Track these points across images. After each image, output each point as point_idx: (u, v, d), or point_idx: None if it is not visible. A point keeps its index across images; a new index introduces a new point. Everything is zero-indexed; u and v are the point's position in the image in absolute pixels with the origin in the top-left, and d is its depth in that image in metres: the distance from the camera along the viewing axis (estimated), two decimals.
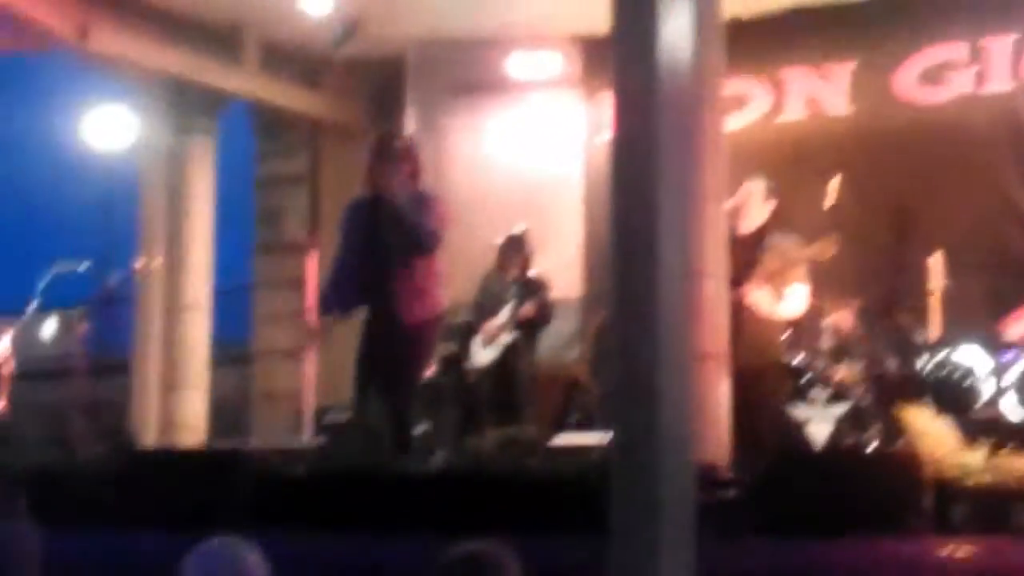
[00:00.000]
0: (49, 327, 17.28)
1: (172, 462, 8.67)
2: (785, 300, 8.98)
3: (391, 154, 8.56)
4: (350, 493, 7.46)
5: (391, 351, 8.39)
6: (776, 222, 9.24)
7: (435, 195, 8.81)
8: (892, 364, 10.04)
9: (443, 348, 10.54)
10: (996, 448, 6.96)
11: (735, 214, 8.78)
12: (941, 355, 8.84)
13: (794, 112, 12.08)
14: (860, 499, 6.71)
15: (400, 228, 8.36)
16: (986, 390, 8.63)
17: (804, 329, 9.88)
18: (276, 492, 7.77)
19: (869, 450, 8.81)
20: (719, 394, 7.66)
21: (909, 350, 9.61)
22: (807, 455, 8.17)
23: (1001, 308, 9.73)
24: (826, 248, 8.94)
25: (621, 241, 5.54)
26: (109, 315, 17.48)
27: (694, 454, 5.63)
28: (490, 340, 10.58)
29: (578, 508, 6.23)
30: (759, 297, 8.82)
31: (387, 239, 8.43)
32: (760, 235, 9.07)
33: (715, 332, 7.74)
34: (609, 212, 5.65)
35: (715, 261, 7.83)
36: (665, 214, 5.37)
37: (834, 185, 9.58)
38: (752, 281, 8.77)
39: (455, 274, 12.44)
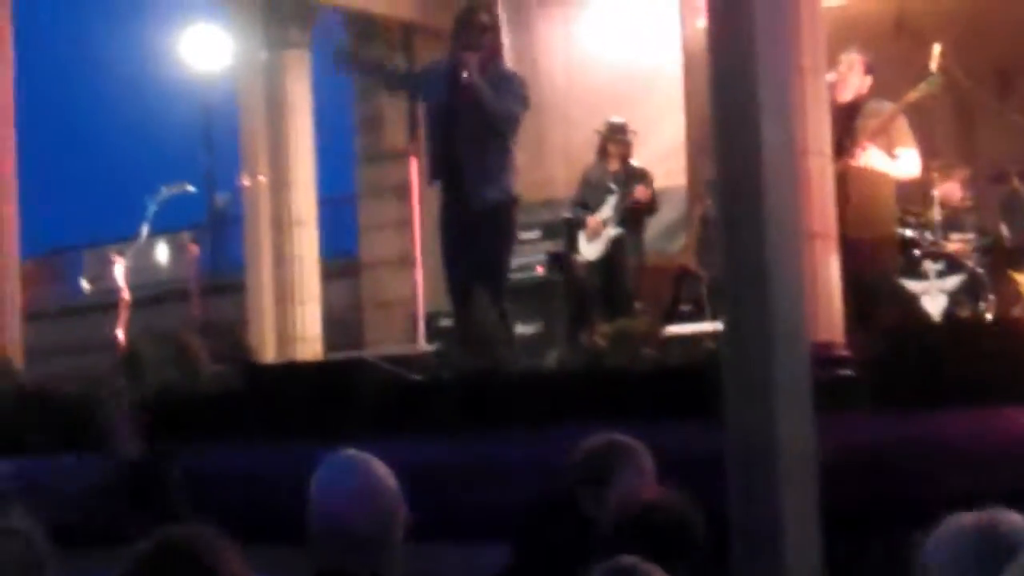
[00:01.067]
0: (162, 252, 17.54)
1: (292, 375, 8.77)
2: (896, 161, 8.89)
3: (474, 26, 8.34)
4: (468, 396, 7.51)
5: (467, 238, 8.26)
6: (873, 93, 9.14)
7: (516, 75, 8.61)
8: (1005, 231, 9.91)
9: (550, 245, 10.55)
10: None
11: (835, 88, 8.66)
12: None
13: None
14: (977, 369, 6.65)
15: (473, 106, 8.14)
16: None
17: (914, 200, 9.78)
18: (396, 399, 7.84)
19: (984, 320, 8.72)
20: (830, 273, 7.60)
21: (1022, 217, 9.47)
22: (921, 328, 8.10)
23: None
24: (926, 89, 8.86)
25: (722, 121, 5.52)
26: (219, 235, 17.72)
27: (807, 333, 5.63)
28: (596, 234, 10.55)
29: (695, 396, 6.25)
30: (870, 156, 8.71)
31: (459, 116, 8.23)
32: (858, 106, 8.97)
33: (822, 210, 7.67)
34: (709, 94, 5.61)
35: (819, 137, 7.72)
36: (765, 91, 5.34)
37: (935, 53, 9.42)
38: (859, 143, 8.68)
39: (556, 169, 12.47)
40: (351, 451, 3.67)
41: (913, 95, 8.99)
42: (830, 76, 8.51)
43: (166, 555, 2.97)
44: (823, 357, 6.76)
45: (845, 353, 7.22)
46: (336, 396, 7.74)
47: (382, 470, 3.60)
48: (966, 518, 2.90)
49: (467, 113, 8.13)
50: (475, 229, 8.18)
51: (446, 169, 8.21)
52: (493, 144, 8.25)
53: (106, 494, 4.87)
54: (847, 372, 6.92)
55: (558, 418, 6.96)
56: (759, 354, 5.26)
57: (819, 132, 7.73)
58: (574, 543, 4.15)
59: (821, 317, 7.35)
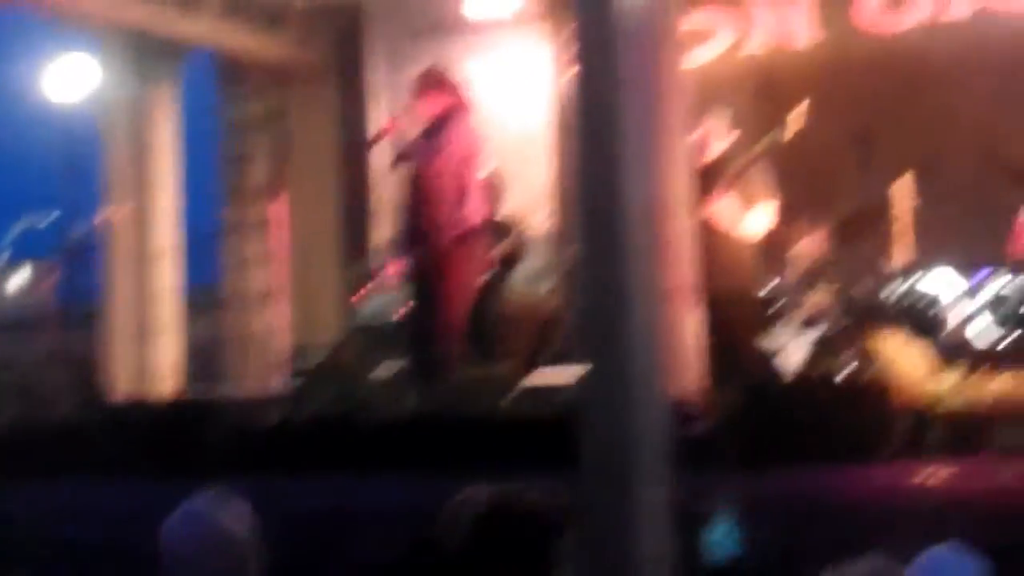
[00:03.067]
0: (18, 279, 17.25)
1: (144, 413, 8.65)
2: (751, 216, 9.00)
3: (413, 88, 9.08)
4: (325, 438, 7.46)
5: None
6: (736, 152, 9.28)
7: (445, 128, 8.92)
8: (862, 290, 10.05)
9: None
10: (969, 371, 6.98)
11: (699, 147, 8.77)
12: (912, 280, 8.84)
13: (758, 44, 12.04)
14: (834, 427, 6.74)
15: None
16: (956, 314, 8.63)
17: (773, 257, 9.89)
18: (251, 439, 7.77)
19: (842, 377, 8.82)
20: (689, 328, 7.66)
21: (879, 275, 9.61)
22: (780, 385, 8.18)
23: (969, 231, 9.74)
24: (774, 138, 9.01)
25: (585, 178, 5.51)
26: (78, 266, 17.45)
27: (665, 389, 5.65)
28: None
29: (551, 447, 6.25)
30: (724, 208, 8.82)
31: None
32: (722, 165, 9.09)
33: (683, 266, 7.74)
34: (573, 149, 5.64)
35: (681, 195, 7.81)
36: (629, 150, 5.34)
37: (798, 114, 9.57)
38: (714, 193, 8.79)
39: None
40: (206, 496, 3.61)
41: (758, 149, 9.14)
42: (695, 134, 8.62)
43: None
44: (681, 413, 6.80)
45: (703, 409, 7.27)
46: (189, 435, 7.65)
47: (237, 517, 3.55)
48: (859, 568, 2.92)
49: None
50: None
51: None
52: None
53: None
54: (703, 428, 6.97)
55: (413, 464, 6.94)
56: (617, 407, 5.25)
57: (681, 190, 7.82)
58: None
59: (680, 372, 7.41)
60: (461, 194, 8.74)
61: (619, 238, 5.26)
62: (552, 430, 6.54)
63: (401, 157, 9.16)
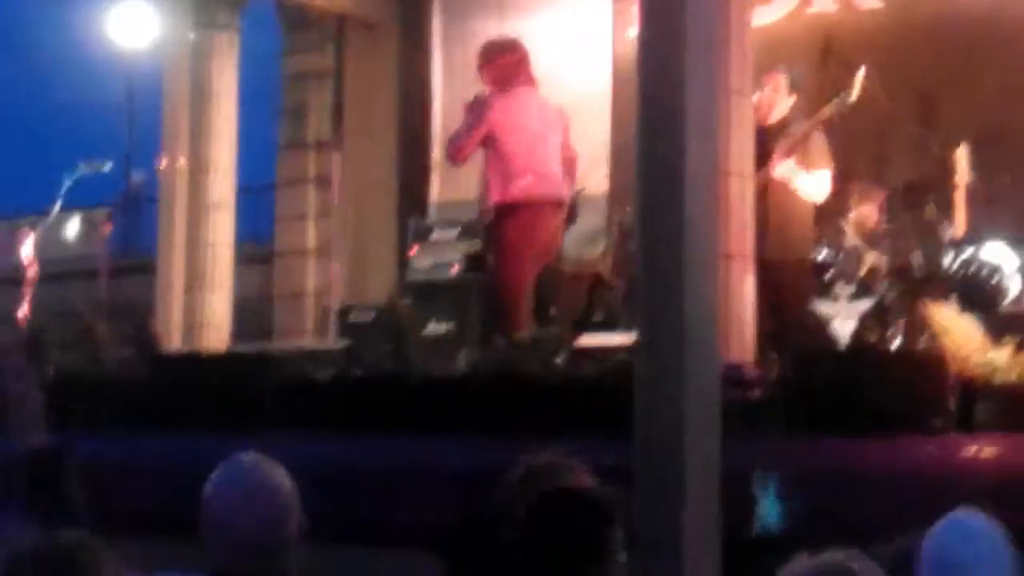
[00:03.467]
0: (73, 228, 17.34)
1: (196, 365, 8.68)
2: (811, 180, 8.94)
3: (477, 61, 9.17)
4: (376, 395, 7.47)
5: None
6: (796, 115, 9.21)
7: (474, 101, 9.01)
8: (917, 259, 9.98)
9: (467, 246, 10.50)
10: (1022, 346, 6.92)
11: (759, 109, 8.70)
12: (968, 252, 8.76)
13: (824, 5, 11.93)
14: (885, 398, 6.71)
15: None
16: (1013, 287, 8.56)
17: (829, 223, 9.83)
18: (302, 395, 7.79)
19: (893, 347, 8.78)
20: (744, 294, 7.63)
21: (935, 245, 9.54)
22: (831, 353, 8.14)
23: None
24: (836, 108, 8.94)
25: (647, 136, 5.50)
26: (134, 215, 17.55)
27: (719, 353, 5.63)
28: None
29: (604, 409, 6.24)
30: (785, 170, 8.76)
31: None
32: (782, 127, 9.03)
33: (740, 231, 7.69)
34: (636, 107, 5.60)
35: (741, 158, 7.76)
36: (692, 109, 5.32)
37: (860, 77, 9.49)
38: (775, 157, 8.73)
39: (482, 172, 12.45)
40: (246, 453, 3.64)
41: (824, 113, 9.08)
42: (755, 97, 8.56)
43: (42, 562, 2.94)
44: (734, 378, 6.78)
45: (756, 374, 7.24)
46: (240, 388, 7.67)
47: (276, 473, 3.58)
48: (810, 562, 2.91)
49: None
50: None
51: None
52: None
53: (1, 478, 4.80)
54: (756, 393, 6.95)
55: (467, 424, 6.94)
56: (670, 370, 5.25)
57: (742, 153, 7.77)
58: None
59: (734, 338, 7.38)
60: (505, 165, 8.75)
61: (679, 201, 5.25)
62: (605, 392, 6.55)
63: (451, 142, 9.32)
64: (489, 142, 8.81)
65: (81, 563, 2.93)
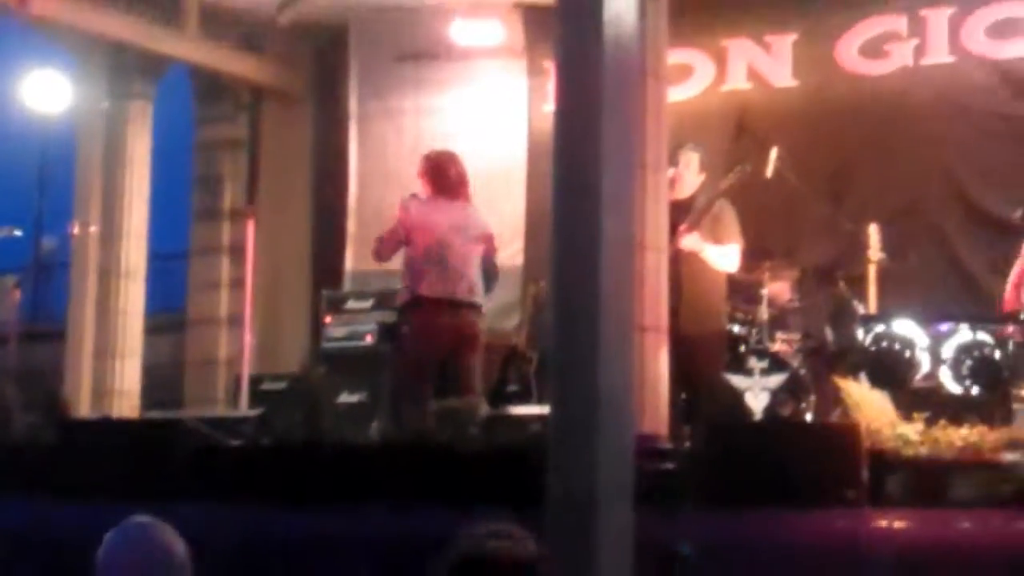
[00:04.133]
0: None
1: (105, 431, 8.58)
2: (721, 253, 9.02)
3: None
4: (287, 464, 7.41)
5: None
6: (704, 191, 9.31)
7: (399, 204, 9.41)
8: (830, 335, 10.08)
9: (381, 315, 10.50)
10: (932, 420, 6.99)
11: (672, 183, 8.78)
12: (879, 328, 8.86)
13: (737, 82, 12.07)
14: (797, 470, 6.73)
15: None
16: (924, 363, 8.66)
17: (743, 298, 9.92)
18: (213, 463, 7.71)
19: (807, 420, 8.85)
20: (659, 366, 7.67)
21: (847, 321, 9.64)
22: (744, 425, 8.18)
23: (933, 282, 9.80)
24: (740, 174, 9.12)
25: (563, 210, 5.50)
26: (43, 282, 17.37)
27: (633, 425, 5.64)
28: None
29: (518, 479, 6.22)
30: (691, 242, 8.84)
31: None
32: (692, 203, 9.13)
33: (655, 304, 7.75)
34: (552, 181, 5.63)
35: (656, 232, 7.83)
36: (607, 184, 5.33)
37: (773, 156, 9.61)
38: (682, 229, 8.81)
39: None
40: (141, 517, 3.59)
41: (726, 183, 9.18)
42: (669, 172, 8.64)
43: None
44: (648, 449, 6.79)
45: (669, 446, 7.27)
46: (150, 457, 7.58)
47: (170, 537, 3.54)
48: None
49: None
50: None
51: None
52: None
53: None
54: (670, 465, 6.96)
55: (380, 493, 6.89)
56: (584, 442, 5.24)
57: (657, 227, 7.84)
58: None
59: (648, 410, 7.41)
60: (411, 263, 9.11)
61: (595, 274, 5.26)
62: (518, 463, 6.52)
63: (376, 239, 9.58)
64: (405, 241, 9.16)
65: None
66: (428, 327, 8.98)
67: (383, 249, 9.38)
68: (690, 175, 9.20)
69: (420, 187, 9.40)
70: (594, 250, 5.26)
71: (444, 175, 9.44)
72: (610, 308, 5.29)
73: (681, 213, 8.88)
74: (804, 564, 6.29)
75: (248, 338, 9.62)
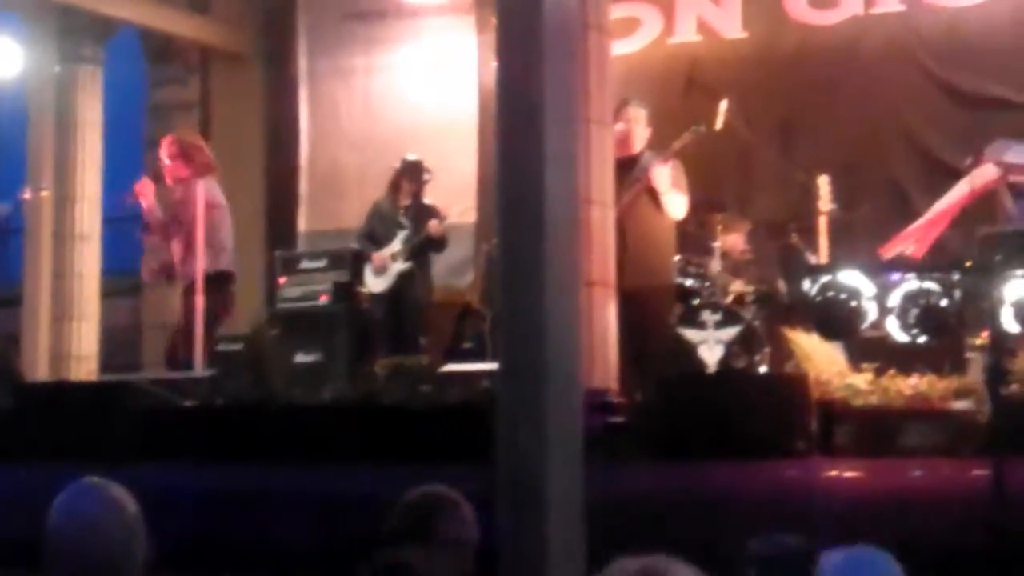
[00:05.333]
0: None
1: (59, 395, 8.59)
2: (668, 208, 9.08)
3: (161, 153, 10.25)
4: (236, 424, 7.44)
5: None
6: (651, 146, 9.34)
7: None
8: (783, 286, 10.13)
9: (336, 275, 10.49)
10: (882, 370, 7.05)
11: (619, 139, 8.80)
12: (825, 277, 8.91)
13: (686, 34, 12.06)
14: (746, 421, 6.79)
15: None
16: (870, 312, 8.71)
17: (695, 251, 9.95)
18: (165, 424, 7.73)
19: (757, 372, 8.90)
20: (607, 320, 7.70)
21: (799, 272, 9.68)
22: (693, 378, 8.23)
23: (885, 232, 9.83)
24: (694, 134, 9.23)
25: (507, 168, 5.52)
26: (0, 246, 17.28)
27: (581, 380, 5.67)
28: (383, 268, 10.53)
29: (467, 435, 6.25)
30: (664, 178, 8.93)
31: None
32: (637, 157, 9.16)
33: (603, 258, 7.77)
34: (495, 138, 5.64)
35: (602, 187, 7.85)
36: (551, 140, 5.34)
37: (723, 108, 9.63)
38: (634, 186, 8.88)
39: (348, 200, 12.47)
40: (91, 478, 3.60)
41: (679, 143, 9.22)
42: (616, 127, 8.65)
43: None
44: (597, 403, 6.84)
45: (618, 400, 7.31)
46: (102, 418, 7.60)
47: (121, 495, 3.54)
48: (631, 563, 2.91)
49: None
50: None
51: None
52: None
53: None
54: (619, 419, 7.01)
55: (331, 452, 6.92)
56: (532, 396, 5.27)
57: (602, 182, 7.85)
58: None
59: (597, 364, 7.44)
60: (192, 248, 9.68)
61: (540, 229, 5.27)
62: (469, 419, 6.56)
63: (147, 227, 10.24)
64: None
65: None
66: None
67: None
68: (638, 130, 9.24)
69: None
70: (539, 204, 5.29)
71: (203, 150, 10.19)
72: (556, 262, 5.32)
73: (628, 167, 8.91)
74: (755, 515, 6.34)
75: (200, 300, 9.59)
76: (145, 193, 10.05)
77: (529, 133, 5.37)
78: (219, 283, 10.06)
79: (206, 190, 10.02)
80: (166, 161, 10.18)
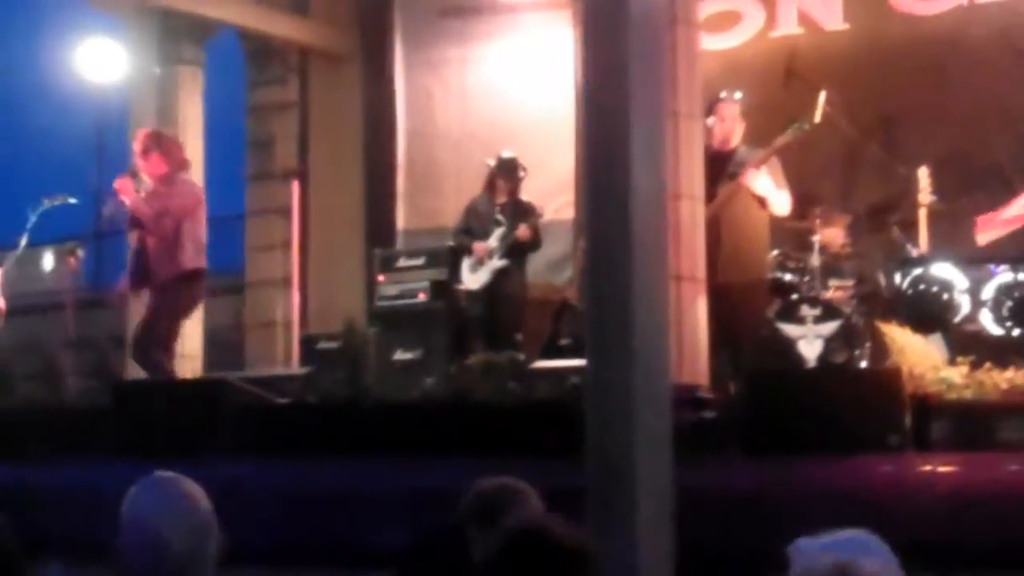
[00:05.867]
0: (47, 261, 17.33)
1: (154, 393, 8.69)
2: (768, 204, 9.02)
3: (137, 148, 10.07)
4: (329, 421, 7.48)
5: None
6: (747, 140, 9.27)
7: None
8: (883, 280, 10.00)
9: (433, 273, 10.53)
10: (977, 364, 6.95)
11: (712, 133, 8.75)
12: (917, 270, 8.80)
13: (788, 27, 11.96)
14: (839, 417, 6.72)
15: None
16: (965, 305, 8.58)
17: (794, 246, 9.86)
18: (261, 420, 7.79)
19: (855, 367, 8.79)
20: (696, 315, 7.65)
21: (895, 266, 9.57)
22: (785, 374, 8.15)
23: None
24: (792, 135, 9.14)
25: (594, 163, 5.53)
26: (105, 247, 17.52)
27: (670, 375, 5.64)
28: (479, 264, 10.55)
29: (557, 431, 6.25)
30: (762, 182, 8.85)
31: None
32: (732, 151, 9.10)
33: (691, 253, 7.72)
34: (583, 134, 5.63)
35: (691, 181, 7.79)
36: (637, 135, 5.35)
37: (822, 100, 9.54)
38: (732, 180, 8.80)
39: (445, 198, 12.49)
40: (165, 472, 3.63)
41: (780, 140, 9.14)
42: (709, 121, 8.60)
43: None
44: (687, 399, 6.80)
45: (708, 396, 7.26)
46: (198, 415, 7.68)
47: (194, 489, 3.56)
48: (825, 557, 2.86)
49: None
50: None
51: None
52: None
53: None
54: (709, 415, 6.96)
55: (421, 448, 6.94)
56: (620, 392, 5.27)
57: (691, 176, 7.80)
58: None
59: (686, 359, 7.40)
60: (178, 242, 9.60)
61: (627, 224, 5.26)
62: (555, 415, 6.55)
63: (132, 223, 10.11)
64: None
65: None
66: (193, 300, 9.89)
67: None
68: (731, 124, 9.19)
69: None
70: (625, 200, 5.27)
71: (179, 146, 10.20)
72: (644, 258, 5.30)
73: (722, 161, 8.85)
74: (848, 511, 6.27)
75: (297, 298, 9.67)
76: (126, 190, 9.83)
77: (615, 127, 5.37)
78: (197, 280, 9.96)
79: (191, 185, 10.09)
80: (138, 156, 10.02)
